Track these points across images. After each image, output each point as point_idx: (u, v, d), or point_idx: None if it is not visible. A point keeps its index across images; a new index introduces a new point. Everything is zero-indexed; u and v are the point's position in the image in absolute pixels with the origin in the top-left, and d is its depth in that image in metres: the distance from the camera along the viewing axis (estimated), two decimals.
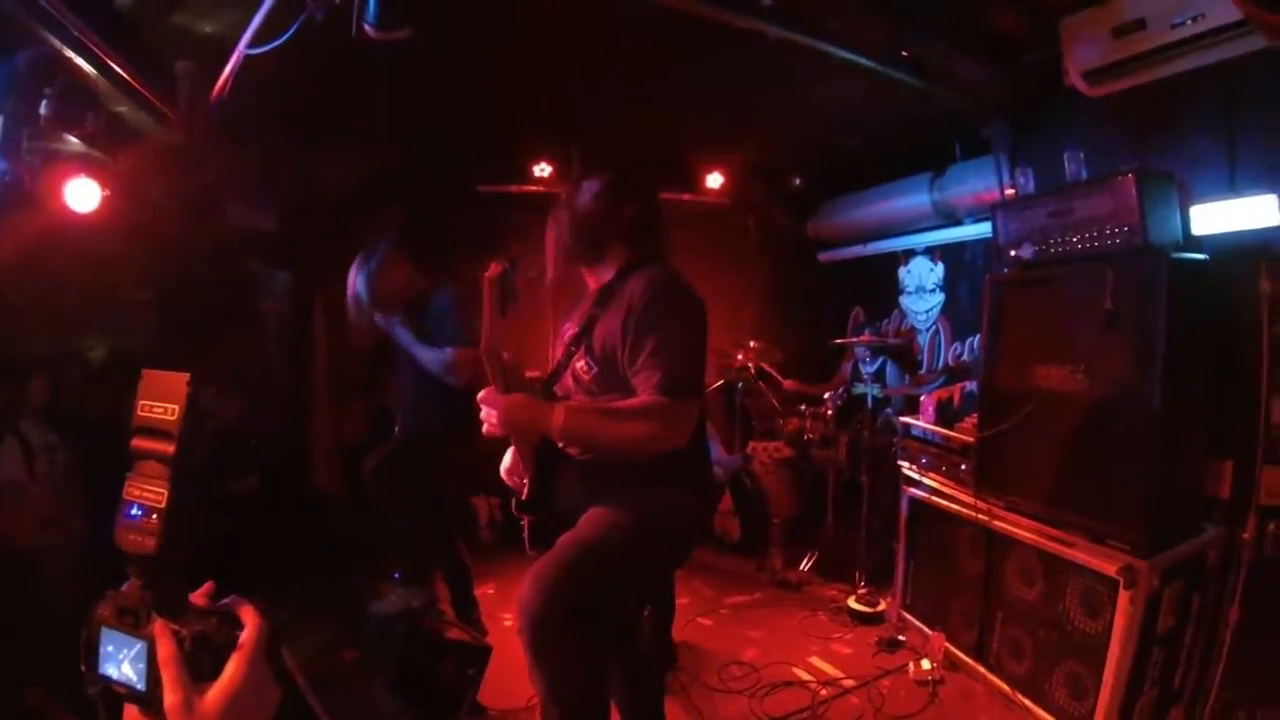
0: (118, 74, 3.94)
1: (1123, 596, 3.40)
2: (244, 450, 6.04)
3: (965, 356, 6.74)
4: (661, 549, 2.76)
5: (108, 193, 4.35)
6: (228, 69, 4.14)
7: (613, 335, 2.63)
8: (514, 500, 2.85)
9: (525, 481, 2.83)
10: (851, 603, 5.26)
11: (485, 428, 2.49)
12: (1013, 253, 4.13)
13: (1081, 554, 3.64)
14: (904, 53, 4.36)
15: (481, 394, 2.47)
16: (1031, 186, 4.33)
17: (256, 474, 5.96)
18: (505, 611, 5.22)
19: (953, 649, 4.47)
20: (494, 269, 2.41)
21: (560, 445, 2.50)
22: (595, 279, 2.88)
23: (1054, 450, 3.85)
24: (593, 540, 2.59)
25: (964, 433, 4.54)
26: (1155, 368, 3.38)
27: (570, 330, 2.87)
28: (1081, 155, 4.02)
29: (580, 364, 2.74)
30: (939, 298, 7.20)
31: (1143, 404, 3.42)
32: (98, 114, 4.23)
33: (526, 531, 2.90)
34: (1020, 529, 4.00)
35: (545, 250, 2.94)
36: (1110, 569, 3.46)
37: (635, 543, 2.61)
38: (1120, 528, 3.50)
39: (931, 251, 7.23)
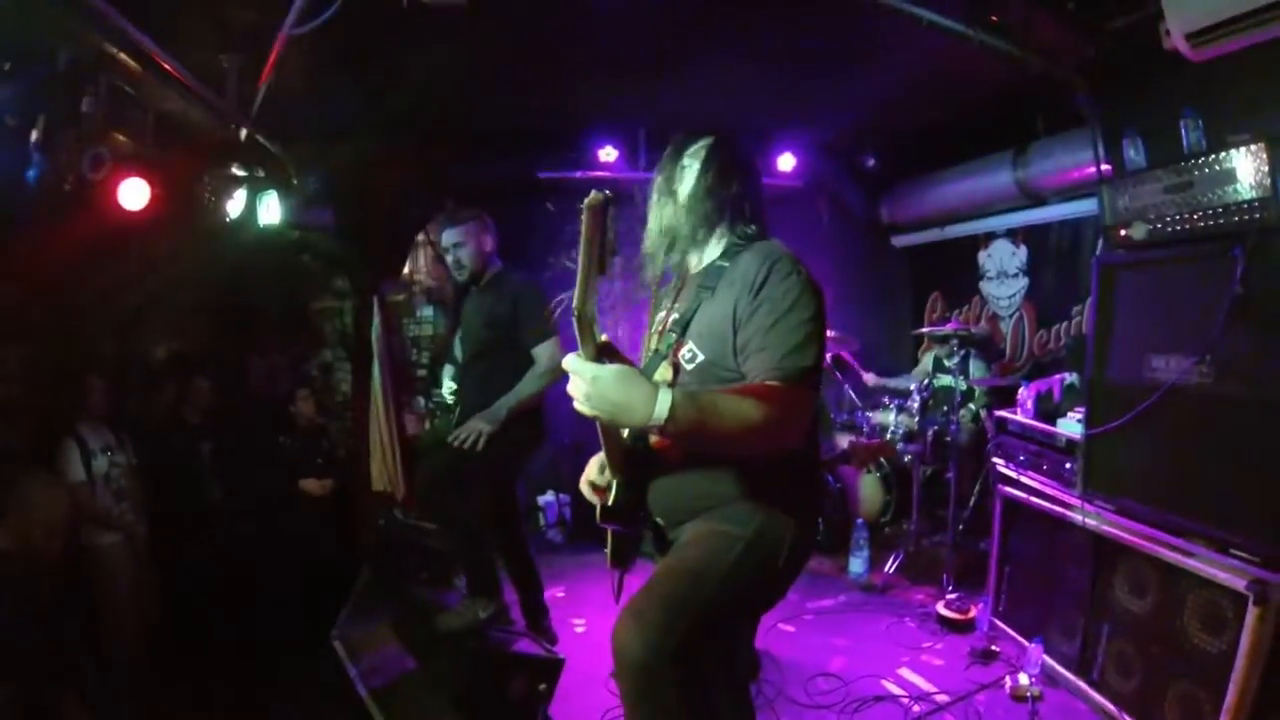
0: (162, 69, 3.79)
1: (1251, 613, 3.05)
2: (321, 450, 5.96)
3: (1052, 345, 6.42)
4: (775, 572, 2.43)
5: (158, 191, 4.22)
6: (272, 56, 4.00)
7: (723, 318, 2.32)
8: (599, 508, 2.54)
9: (611, 486, 2.52)
10: (940, 609, 4.98)
11: (574, 403, 2.11)
12: (1123, 232, 3.79)
13: (1203, 565, 3.29)
14: (992, 17, 4.09)
15: (569, 359, 2.08)
16: (1143, 159, 3.97)
17: (333, 475, 5.87)
18: (576, 616, 5.09)
19: (1052, 662, 4.15)
20: (595, 196, 2.04)
21: (657, 434, 2.11)
22: (698, 261, 2.59)
23: (1173, 449, 3.50)
24: (699, 570, 2.30)
25: (1067, 428, 4.19)
26: None
27: (671, 316, 2.56)
28: (1200, 123, 3.66)
29: (684, 351, 2.41)
30: (1022, 283, 6.88)
31: (1277, 399, 3.07)
32: (144, 111, 4.09)
33: (610, 544, 2.60)
34: (1132, 535, 3.66)
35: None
36: (1238, 583, 3.12)
37: (747, 569, 2.32)
38: (1249, 537, 3.14)
39: (1014, 234, 6.89)
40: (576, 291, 1.98)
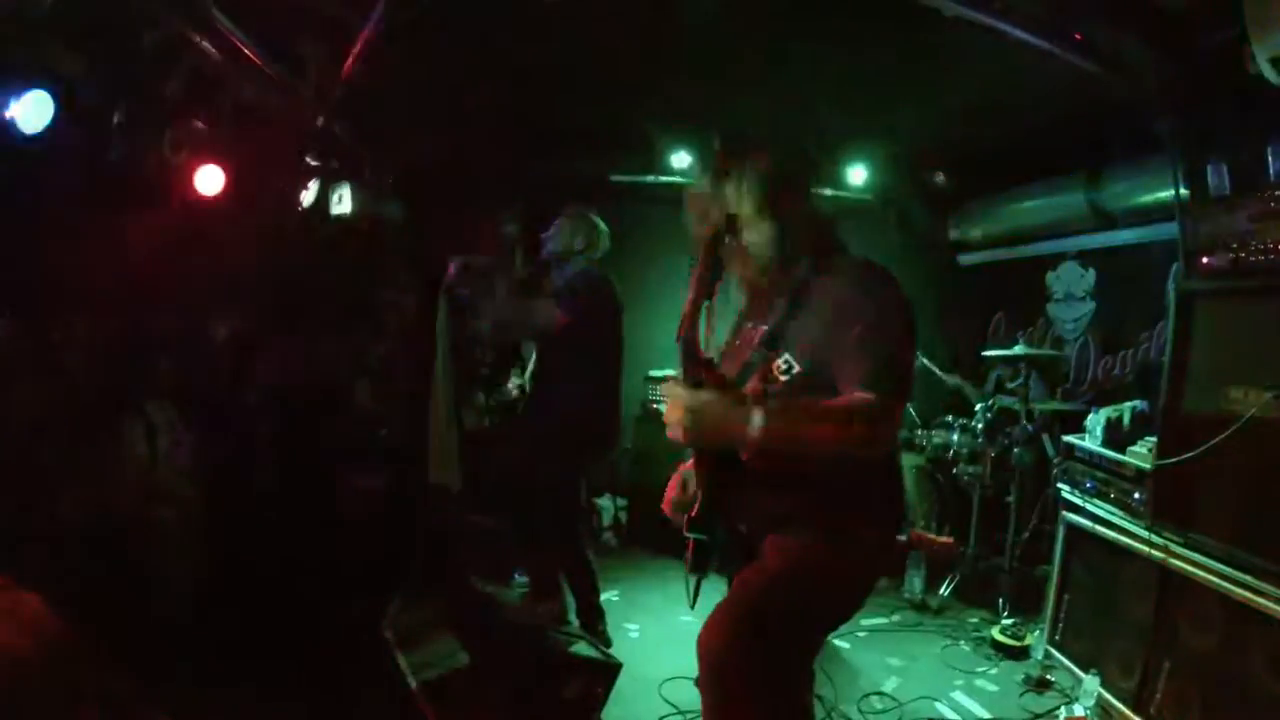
0: (243, 55, 3.85)
1: None
2: (375, 443, 5.98)
3: (1117, 371, 6.30)
4: (859, 583, 2.47)
5: (233, 177, 4.29)
6: (356, 49, 4.05)
7: (817, 329, 2.34)
8: (686, 519, 2.53)
9: (697, 497, 2.50)
10: (996, 633, 4.92)
11: (668, 430, 2.16)
12: (1204, 260, 3.71)
13: (1274, 605, 3.18)
14: (1076, 35, 4.02)
15: (666, 385, 2.13)
16: (1226, 186, 3.88)
17: (384, 470, 5.89)
18: (630, 621, 5.09)
19: (1108, 696, 4.04)
20: (710, 229, 2.08)
21: (749, 454, 2.16)
22: (782, 273, 2.59)
23: (1249, 484, 3.40)
24: (788, 579, 2.33)
25: (1136, 457, 4.11)
26: None
27: (760, 328, 2.54)
28: None
29: (777, 364, 2.40)
30: (1089, 307, 6.75)
31: None
32: (223, 97, 4.15)
33: (690, 552, 2.60)
34: (1200, 570, 3.56)
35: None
36: None
37: (834, 580, 2.36)
38: None
39: (1083, 256, 6.77)
40: (684, 317, 2.03)
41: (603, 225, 4.66)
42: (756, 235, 2.48)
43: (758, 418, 2.06)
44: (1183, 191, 4.24)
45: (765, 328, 2.49)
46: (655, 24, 4.32)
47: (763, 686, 2.19)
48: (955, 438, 6.11)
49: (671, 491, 2.67)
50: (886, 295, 2.30)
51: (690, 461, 2.55)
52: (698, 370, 2.14)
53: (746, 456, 2.29)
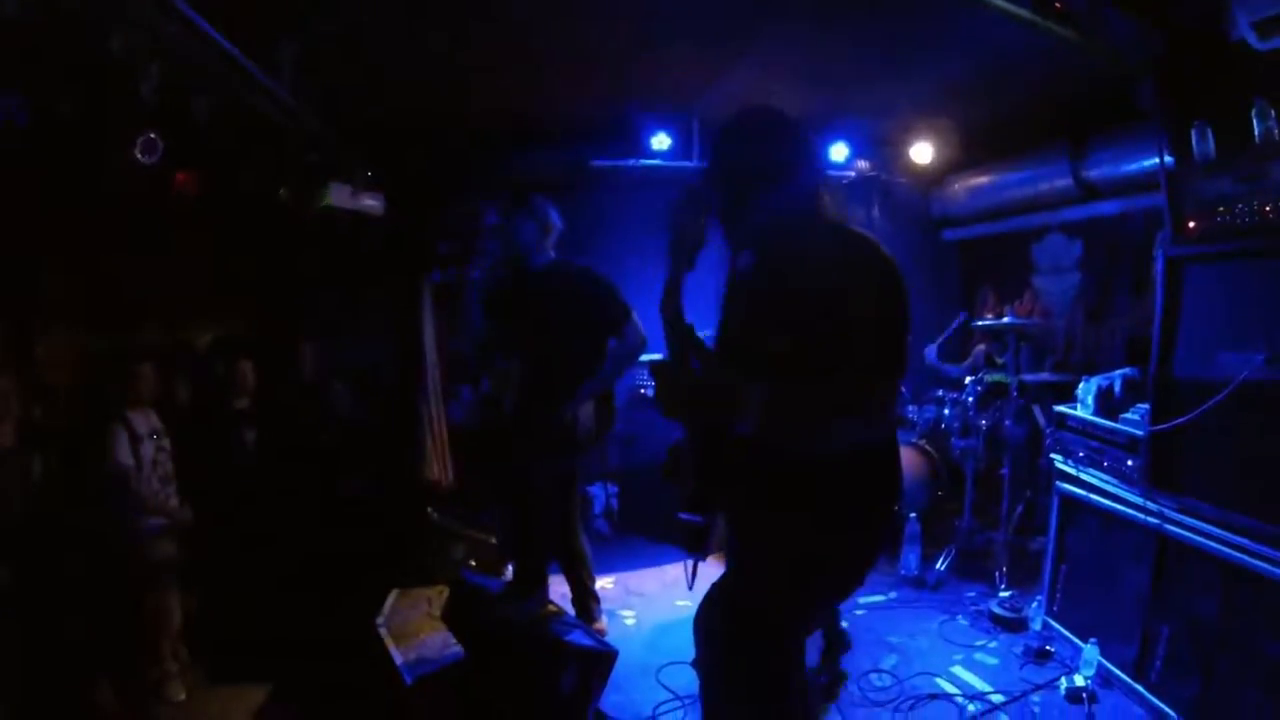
0: (219, 52, 3.78)
1: None
2: (358, 446, 5.94)
3: (1106, 341, 6.29)
4: (855, 560, 2.43)
5: (211, 177, 4.24)
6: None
7: (790, 307, 2.26)
8: (682, 501, 2.50)
9: (690, 479, 2.48)
10: (993, 607, 4.89)
11: (658, 407, 2.13)
12: (1191, 225, 3.69)
13: (1273, 567, 3.18)
14: (1056, 4, 4.00)
15: (655, 362, 2.09)
16: (1211, 150, 3.86)
17: (369, 473, 5.85)
18: (625, 608, 5.09)
19: (1108, 664, 4.06)
20: (684, 192, 2.02)
21: (736, 425, 2.11)
22: (766, 247, 2.53)
23: (1242, 447, 3.39)
24: (784, 557, 2.31)
25: (1130, 424, 4.09)
26: None
27: (742, 305, 2.50)
28: (1273, 112, 3.55)
29: (758, 340, 2.34)
30: (1076, 277, 6.73)
31: None
32: (199, 95, 4.09)
33: (686, 535, 2.56)
34: (1196, 535, 3.56)
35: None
36: None
37: (829, 556, 2.33)
38: None
39: (1069, 227, 6.76)
40: (665, 289, 1.98)
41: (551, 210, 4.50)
42: (741, 207, 2.43)
43: (745, 393, 2.05)
44: (1167, 158, 4.23)
45: (746, 305, 2.46)
46: (633, 6, 4.28)
47: (759, 665, 2.18)
48: (946, 412, 6.11)
49: (669, 459, 2.63)
50: (854, 267, 2.24)
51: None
52: (683, 346, 2.09)
53: (734, 435, 2.26)
